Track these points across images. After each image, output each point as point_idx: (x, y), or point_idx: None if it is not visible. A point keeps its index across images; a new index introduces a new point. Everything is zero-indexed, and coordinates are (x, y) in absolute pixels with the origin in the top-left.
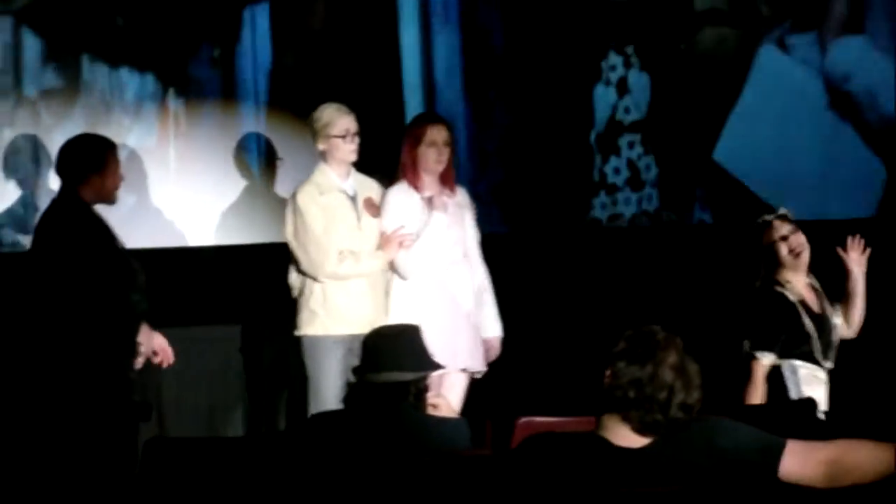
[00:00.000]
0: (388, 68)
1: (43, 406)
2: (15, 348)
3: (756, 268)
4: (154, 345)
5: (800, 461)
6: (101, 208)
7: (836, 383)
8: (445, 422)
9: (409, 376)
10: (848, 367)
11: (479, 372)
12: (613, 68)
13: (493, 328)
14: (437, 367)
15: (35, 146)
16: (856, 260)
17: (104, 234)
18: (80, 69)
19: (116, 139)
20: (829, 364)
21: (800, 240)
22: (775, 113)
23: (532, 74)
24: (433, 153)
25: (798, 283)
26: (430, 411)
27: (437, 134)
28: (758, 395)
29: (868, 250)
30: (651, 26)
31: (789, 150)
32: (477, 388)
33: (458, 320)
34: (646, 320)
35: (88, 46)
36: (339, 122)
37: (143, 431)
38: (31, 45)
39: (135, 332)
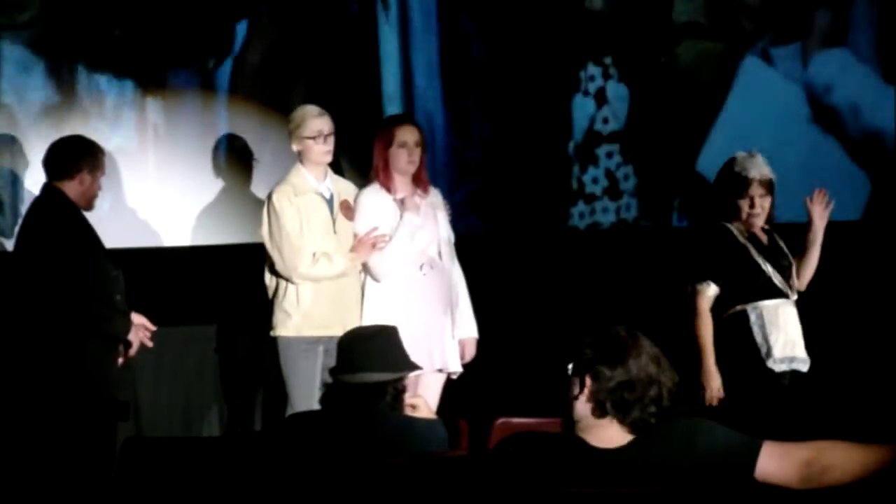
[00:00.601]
0: (367, 76)
1: (25, 405)
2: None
3: (710, 205)
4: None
5: (776, 462)
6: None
7: (825, 383)
8: (422, 423)
9: (385, 377)
10: (832, 366)
11: (454, 372)
12: (592, 79)
13: (468, 329)
14: (415, 367)
15: (12, 152)
16: (819, 213)
17: (87, 234)
18: (61, 76)
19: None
20: (793, 295)
21: (764, 205)
22: (759, 124)
23: (511, 84)
24: (404, 154)
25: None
26: (409, 412)
27: (407, 135)
28: (705, 328)
29: (832, 204)
30: (630, 38)
31: (773, 160)
32: (454, 389)
33: (433, 321)
34: (619, 322)
35: (73, 54)
36: (310, 124)
37: (119, 431)
38: (11, 52)
39: (117, 329)
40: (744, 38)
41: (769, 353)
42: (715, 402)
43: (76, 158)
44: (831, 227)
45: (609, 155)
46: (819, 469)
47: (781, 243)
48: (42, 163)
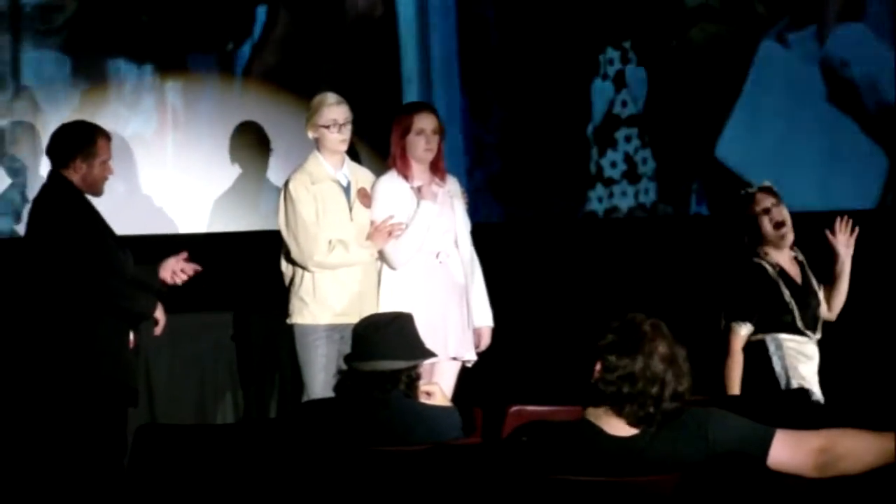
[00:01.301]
0: (386, 61)
1: (38, 392)
2: (9, 334)
3: (739, 241)
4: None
5: (789, 450)
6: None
7: (836, 372)
8: (436, 410)
9: (400, 365)
10: (847, 356)
11: (469, 361)
12: (611, 62)
13: (484, 317)
14: (430, 355)
15: (33, 136)
16: (843, 242)
17: (93, 218)
18: (81, 60)
19: (114, 130)
20: (815, 335)
21: (783, 213)
22: (777, 108)
23: (529, 68)
24: (422, 142)
25: (780, 256)
26: (424, 399)
27: (425, 122)
28: (736, 367)
29: (856, 232)
30: (647, 21)
31: (791, 143)
32: (468, 377)
33: (449, 309)
34: (638, 311)
35: (92, 38)
36: (325, 112)
37: (133, 418)
38: (31, 36)
39: (142, 306)
40: (758, 22)
41: (787, 384)
42: None
43: (67, 147)
44: (849, 216)
45: (628, 139)
46: (833, 457)
47: (812, 280)
48: (45, 151)
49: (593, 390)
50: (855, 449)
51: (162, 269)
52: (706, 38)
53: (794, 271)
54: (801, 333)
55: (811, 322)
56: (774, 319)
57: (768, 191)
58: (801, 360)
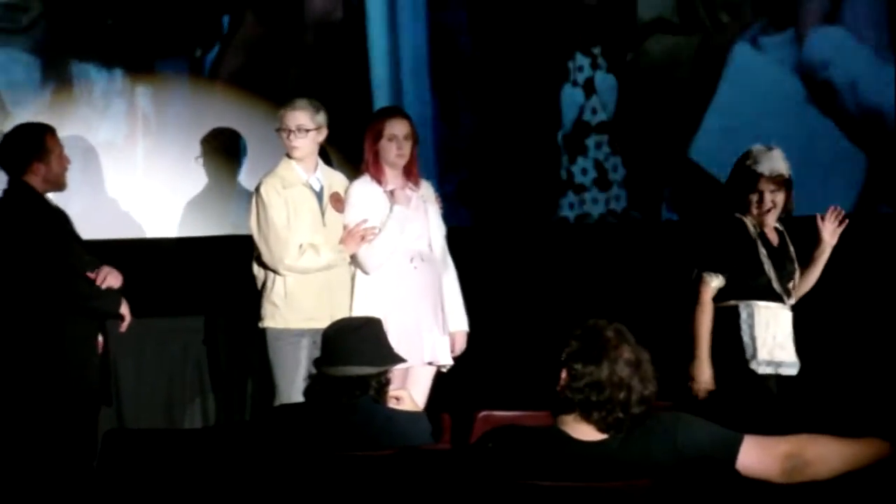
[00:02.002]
0: (356, 67)
1: (7, 395)
2: None
3: (724, 197)
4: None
5: (756, 455)
6: (60, 200)
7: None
8: (405, 415)
9: (369, 370)
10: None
11: (444, 366)
12: (581, 69)
13: (459, 322)
14: (399, 360)
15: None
16: (829, 230)
17: (55, 221)
18: (52, 64)
19: (84, 134)
20: (790, 301)
21: (776, 200)
22: (751, 110)
23: (499, 74)
24: (393, 147)
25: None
26: (393, 404)
27: (396, 128)
28: (705, 318)
29: (845, 224)
30: (614, 29)
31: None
32: (437, 382)
33: (423, 314)
34: (607, 316)
35: (60, 41)
36: (283, 118)
37: (101, 423)
38: (2, 40)
39: (108, 305)
40: (724, 30)
41: (754, 355)
42: (702, 395)
43: (20, 154)
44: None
45: (598, 145)
46: (800, 463)
47: (791, 248)
48: None
49: (560, 398)
50: (822, 455)
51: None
52: (663, 50)
53: (772, 236)
54: (777, 298)
55: (786, 287)
56: (749, 282)
57: (775, 179)
58: (773, 325)
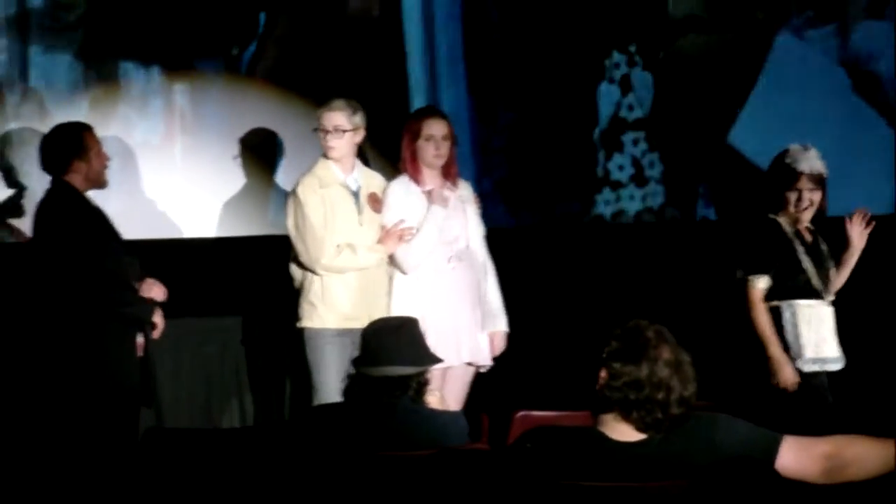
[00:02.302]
0: (393, 66)
1: (44, 398)
2: (18, 339)
3: (759, 194)
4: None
5: (796, 456)
6: (98, 199)
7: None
8: (443, 415)
9: (409, 370)
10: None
11: (483, 366)
12: (617, 66)
13: (498, 322)
14: (437, 360)
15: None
16: (857, 233)
17: (97, 223)
18: (90, 62)
19: (123, 135)
20: (829, 297)
21: (813, 198)
22: (794, 100)
23: (535, 72)
24: (431, 147)
25: (794, 222)
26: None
27: (434, 128)
28: (763, 316)
29: (871, 226)
30: (650, 26)
31: (810, 137)
32: (475, 383)
33: (461, 314)
34: (646, 316)
35: (101, 40)
36: (321, 118)
37: (140, 422)
38: (40, 37)
39: (141, 312)
40: (758, 26)
41: (800, 353)
42: (790, 389)
43: (60, 154)
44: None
45: (635, 142)
46: (839, 464)
47: (824, 246)
48: (39, 164)
49: (599, 398)
50: (861, 456)
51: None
52: (697, 48)
53: (806, 235)
54: (818, 295)
55: (825, 283)
56: (789, 282)
57: (815, 178)
58: (815, 322)
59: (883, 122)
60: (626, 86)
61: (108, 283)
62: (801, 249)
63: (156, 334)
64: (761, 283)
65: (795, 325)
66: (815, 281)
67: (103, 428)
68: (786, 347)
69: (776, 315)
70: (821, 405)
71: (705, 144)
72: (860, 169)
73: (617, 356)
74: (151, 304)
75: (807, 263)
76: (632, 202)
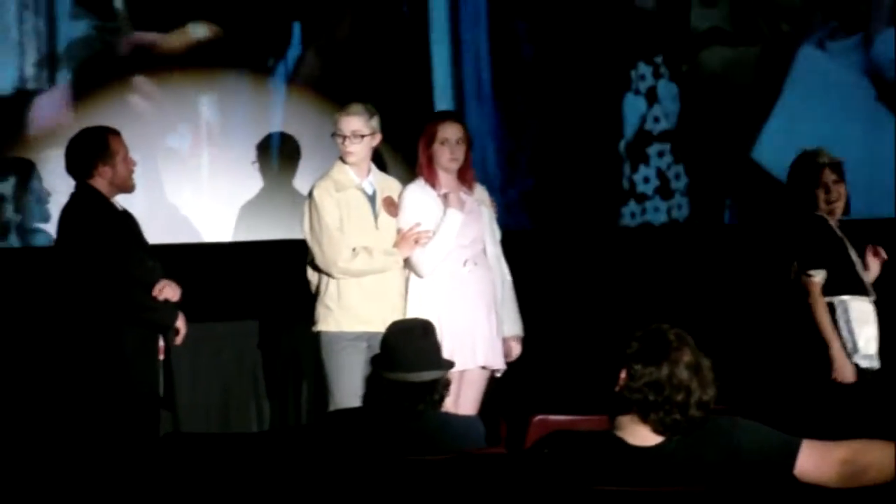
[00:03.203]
0: (419, 77)
1: (69, 398)
2: (40, 342)
3: (797, 196)
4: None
5: (815, 461)
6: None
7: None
8: (461, 419)
9: (434, 375)
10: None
11: (498, 370)
12: (643, 78)
13: (514, 327)
14: (452, 364)
15: None
16: (872, 262)
17: (121, 227)
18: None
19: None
20: (873, 296)
21: (840, 191)
22: (819, 112)
23: (561, 83)
24: (446, 151)
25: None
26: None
27: (449, 131)
28: (822, 310)
29: (884, 258)
30: (675, 38)
31: (836, 147)
32: (492, 387)
33: (477, 318)
34: (665, 320)
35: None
36: (338, 123)
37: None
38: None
39: (162, 318)
40: (784, 39)
41: (856, 349)
42: (848, 383)
43: (86, 158)
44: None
45: (660, 154)
46: (858, 469)
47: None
48: (65, 168)
49: (618, 399)
50: (879, 460)
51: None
52: (722, 60)
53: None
54: (867, 293)
55: (869, 283)
56: (841, 278)
57: (836, 167)
58: (861, 320)
59: None
60: (651, 97)
61: (131, 288)
62: (850, 246)
63: (178, 340)
64: (818, 278)
65: (849, 321)
66: (864, 276)
67: (123, 431)
68: (842, 343)
69: (830, 311)
70: (878, 401)
71: (731, 157)
72: (886, 179)
73: (637, 357)
74: (174, 309)
75: (857, 260)
76: (657, 214)
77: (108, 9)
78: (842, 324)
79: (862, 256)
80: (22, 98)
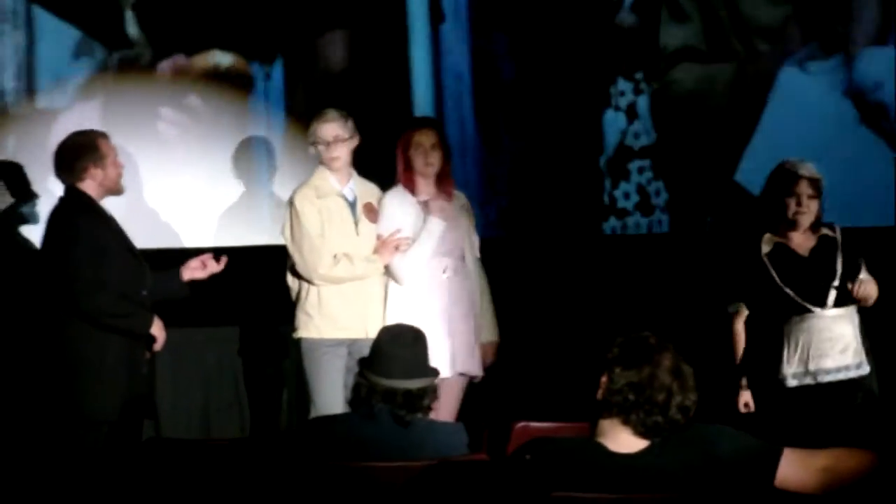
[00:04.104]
0: (399, 92)
1: (50, 402)
2: (22, 344)
3: (765, 202)
4: (195, 275)
5: (796, 469)
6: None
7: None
8: (444, 426)
9: (422, 382)
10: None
11: (475, 377)
12: (623, 94)
13: (490, 333)
14: (437, 372)
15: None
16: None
17: (104, 231)
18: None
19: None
20: (826, 309)
21: (812, 206)
22: (800, 133)
23: (541, 99)
24: (421, 157)
25: (793, 232)
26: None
27: (422, 138)
28: (738, 346)
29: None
30: (653, 55)
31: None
32: (474, 393)
33: (455, 324)
34: (645, 327)
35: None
36: (318, 130)
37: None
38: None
39: (132, 325)
40: (761, 58)
41: (782, 370)
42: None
43: (75, 161)
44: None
45: (640, 170)
46: (836, 476)
47: (839, 257)
48: (53, 172)
49: (599, 404)
50: (857, 467)
51: (185, 268)
52: (696, 79)
53: (806, 244)
54: (805, 310)
55: (818, 295)
56: (770, 305)
57: (813, 183)
58: (801, 339)
59: (891, 153)
60: (631, 113)
61: (97, 293)
62: (774, 273)
63: (157, 346)
64: (742, 311)
65: (779, 343)
66: (798, 297)
67: (96, 439)
68: (770, 365)
69: (762, 334)
70: (803, 420)
71: (712, 172)
72: (869, 201)
73: (619, 361)
74: (148, 316)
75: (785, 283)
76: (637, 230)
77: (122, 37)
78: (771, 346)
79: (847, 265)
80: None
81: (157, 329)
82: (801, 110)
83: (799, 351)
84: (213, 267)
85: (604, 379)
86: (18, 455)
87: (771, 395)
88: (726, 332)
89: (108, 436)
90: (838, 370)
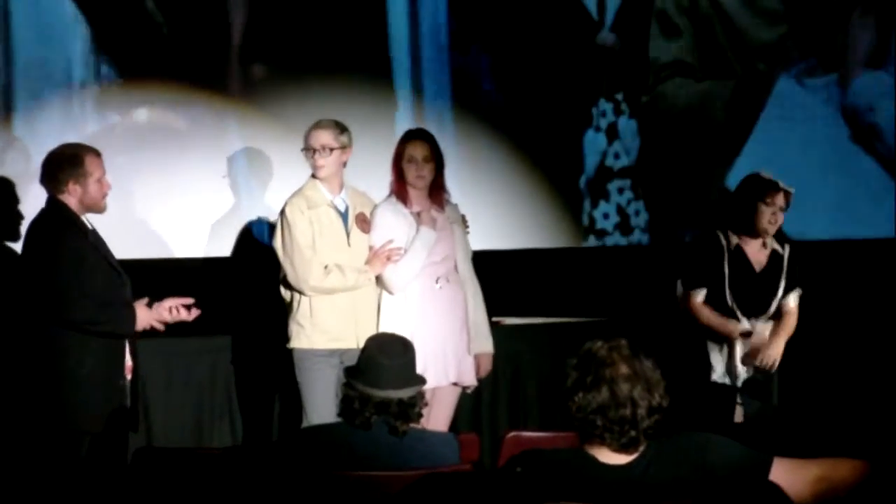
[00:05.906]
0: (380, 109)
1: (30, 415)
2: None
3: (737, 205)
4: (163, 316)
5: (787, 478)
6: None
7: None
8: (435, 436)
9: (411, 391)
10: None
11: (469, 387)
12: (603, 114)
13: (484, 344)
14: (424, 380)
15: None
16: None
17: (84, 242)
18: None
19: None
20: (752, 320)
21: (780, 220)
22: (794, 146)
23: (522, 119)
24: (413, 169)
25: (748, 241)
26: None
27: (415, 150)
28: (707, 313)
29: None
30: (636, 74)
31: (807, 178)
32: (466, 403)
33: (448, 335)
34: (637, 332)
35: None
36: (308, 138)
37: (131, 442)
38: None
39: (115, 326)
40: (759, 76)
41: (712, 366)
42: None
43: (58, 173)
44: (865, 245)
45: (620, 190)
46: (829, 486)
47: (783, 272)
48: (39, 180)
49: (576, 427)
50: (848, 478)
51: (159, 307)
52: (688, 94)
53: (758, 257)
54: (730, 313)
55: (749, 306)
56: (713, 296)
57: (787, 197)
58: (723, 344)
59: (882, 171)
60: (612, 134)
61: (79, 301)
62: (727, 266)
63: (157, 327)
64: (699, 297)
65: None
66: (730, 299)
67: (76, 447)
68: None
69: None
70: (727, 415)
71: (691, 193)
72: (859, 217)
73: (577, 387)
74: (128, 316)
75: (729, 284)
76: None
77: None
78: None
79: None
80: None
81: (143, 322)
82: (797, 123)
83: (723, 356)
84: (184, 315)
85: (572, 407)
86: (3, 464)
87: (701, 389)
88: (688, 312)
89: (90, 447)
90: (737, 375)
